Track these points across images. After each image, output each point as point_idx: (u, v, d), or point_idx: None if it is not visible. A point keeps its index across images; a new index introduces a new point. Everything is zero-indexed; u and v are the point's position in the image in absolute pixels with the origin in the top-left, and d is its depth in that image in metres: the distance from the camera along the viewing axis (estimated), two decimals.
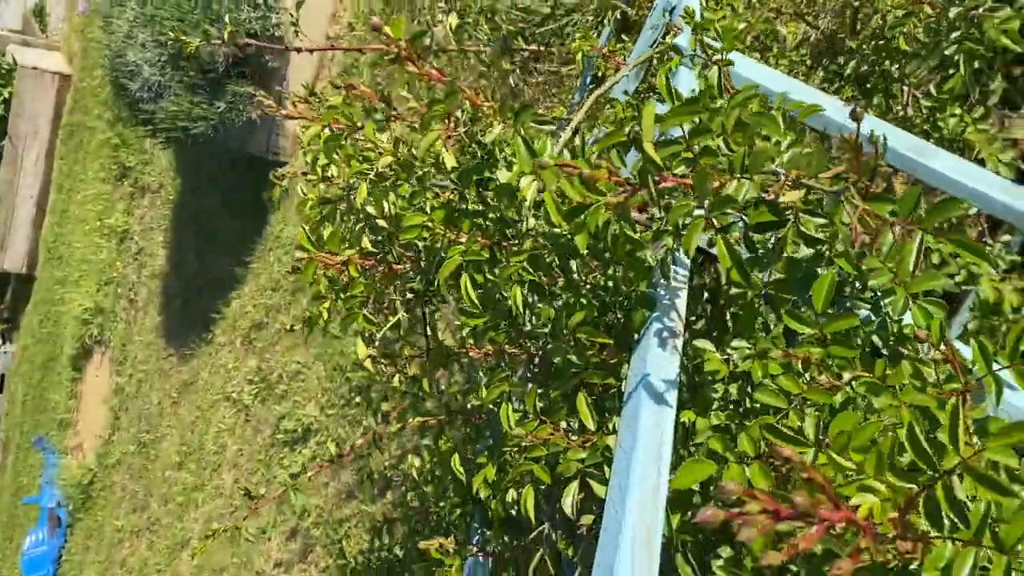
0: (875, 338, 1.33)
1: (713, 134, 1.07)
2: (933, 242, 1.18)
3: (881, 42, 2.00)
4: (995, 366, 1.14)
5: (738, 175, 1.04)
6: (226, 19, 2.57)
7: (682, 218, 1.03)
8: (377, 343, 1.84)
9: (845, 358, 1.23)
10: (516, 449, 1.30)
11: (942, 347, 1.08)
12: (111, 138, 11.24)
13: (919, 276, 1.24)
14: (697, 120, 1.06)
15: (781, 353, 1.22)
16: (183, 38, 3.44)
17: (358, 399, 5.18)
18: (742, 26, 2.12)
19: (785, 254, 1.34)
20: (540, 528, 1.64)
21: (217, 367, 8.29)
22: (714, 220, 1.02)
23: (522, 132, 1.15)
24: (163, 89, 6.83)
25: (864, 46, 2.07)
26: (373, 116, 1.29)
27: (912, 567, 0.89)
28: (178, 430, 8.93)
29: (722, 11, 2.40)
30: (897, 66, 1.94)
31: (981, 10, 1.74)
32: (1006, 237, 2.57)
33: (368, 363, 1.39)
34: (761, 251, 1.37)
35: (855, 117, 1.05)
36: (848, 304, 1.39)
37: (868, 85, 2.04)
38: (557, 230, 1.22)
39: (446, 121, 1.15)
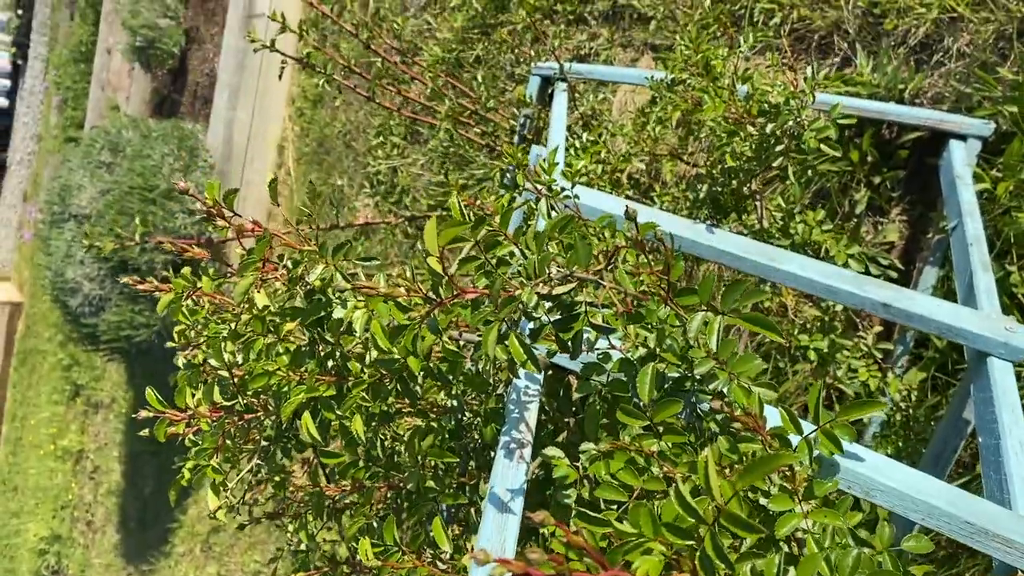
0: (713, 425, 1.38)
1: (505, 246, 1.17)
2: (735, 320, 1.26)
3: (723, 167, 2.17)
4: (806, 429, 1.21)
5: (528, 281, 1.13)
6: (136, 221, 2.70)
7: (481, 324, 1.10)
8: (260, 505, 1.85)
9: (678, 445, 1.28)
10: None
11: (741, 414, 1.13)
12: (62, 359, 11.25)
13: (738, 358, 1.32)
14: (485, 236, 1.15)
15: (615, 447, 1.26)
16: (106, 244, 3.58)
17: None
18: (584, 165, 2.29)
19: (618, 356, 1.41)
20: None
21: None
22: (506, 322, 1.09)
23: (340, 267, 1.24)
24: (104, 302, 6.95)
25: (713, 170, 2.24)
26: (207, 272, 1.38)
27: None
28: None
29: (585, 157, 2.60)
30: (736, 182, 2.10)
31: (794, 123, 1.91)
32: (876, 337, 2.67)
33: (220, 514, 1.39)
34: (598, 355, 1.44)
35: (628, 215, 1.15)
36: (692, 399, 1.45)
37: (721, 203, 2.20)
38: (391, 356, 1.28)
39: (262, 266, 1.24)
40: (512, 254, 1.18)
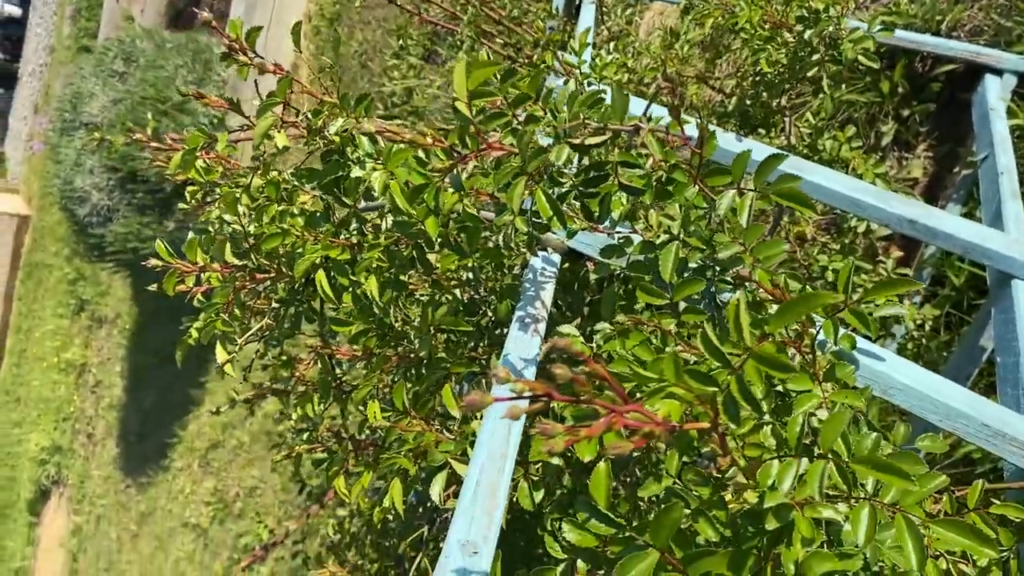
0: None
1: (533, 102, 1.13)
2: (771, 197, 1.23)
3: (755, 78, 2.11)
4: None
5: (560, 141, 1.09)
6: (148, 116, 2.65)
7: (503, 185, 1.07)
8: (267, 381, 1.83)
9: (698, 324, 1.26)
10: (391, 446, 1.28)
11: (770, 286, 1.10)
12: (68, 273, 11.26)
13: (762, 244, 1.28)
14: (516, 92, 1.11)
15: (634, 323, 1.24)
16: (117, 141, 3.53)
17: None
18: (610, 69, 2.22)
19: (640, 238, 1.37)
20: None
21: (175, 493, 8.06)
22: (535, 179, 1.06)
23: (364, 122, 1.19)
24: (112, 213, 6.91)
25: (744, 82, 2.18)
26: (225, 127, 1.34)
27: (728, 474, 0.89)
28: (138, 564, 8.58)
29: (611, 67, 2.53)
30: (767, 94, 2.04)
31: (834, 29, 1.85)
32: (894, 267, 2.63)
33: (228, 368, 1.37)
34: (619, 239, 1.40)
35: (668, 108, 1.10)
36: (712, 289, 1.42)
37: (749, 116, 2.14)
38: (409, 219, 1.24)
39: (282, 110, 1.20)
40: (542, 115, 1.14)
